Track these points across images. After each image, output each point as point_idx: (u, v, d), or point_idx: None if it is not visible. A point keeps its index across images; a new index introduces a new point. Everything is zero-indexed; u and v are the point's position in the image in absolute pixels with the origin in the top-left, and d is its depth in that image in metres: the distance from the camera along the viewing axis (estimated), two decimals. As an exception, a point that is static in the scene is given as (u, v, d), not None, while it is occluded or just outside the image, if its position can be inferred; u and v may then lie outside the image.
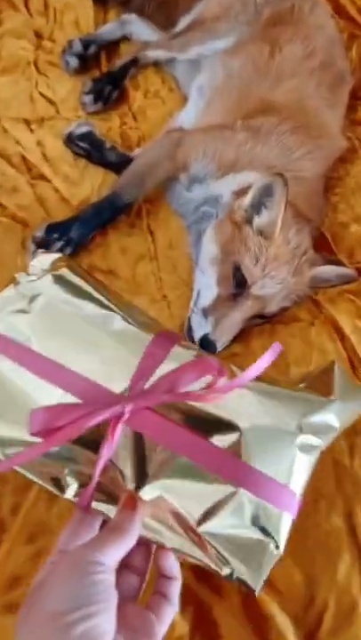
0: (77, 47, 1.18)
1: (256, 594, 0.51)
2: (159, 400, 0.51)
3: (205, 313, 0.87)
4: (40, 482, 0.55)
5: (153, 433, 0.52)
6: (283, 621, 0.73)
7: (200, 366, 0.53)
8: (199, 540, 0.51)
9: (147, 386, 0.53)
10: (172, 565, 0.51)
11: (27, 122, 1.14)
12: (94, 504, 0.52)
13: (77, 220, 0.97)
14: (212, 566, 0.51)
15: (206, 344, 0.84)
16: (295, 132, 1.01)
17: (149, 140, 1.14)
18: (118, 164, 1.08)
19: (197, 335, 0.86)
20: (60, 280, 0.60)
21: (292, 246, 0.88)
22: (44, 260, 0.63)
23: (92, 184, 1.09)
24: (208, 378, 0.52)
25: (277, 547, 0.51)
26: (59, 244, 0.96)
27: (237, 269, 0.86)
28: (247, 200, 0.88)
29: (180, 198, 1.05)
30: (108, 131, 1.16)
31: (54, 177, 1.08)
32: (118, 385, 0.53)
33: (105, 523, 0.51)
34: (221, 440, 0.52)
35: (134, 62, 1.17)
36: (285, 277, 0.87)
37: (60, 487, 0.54)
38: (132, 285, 0.97)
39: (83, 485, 0.52)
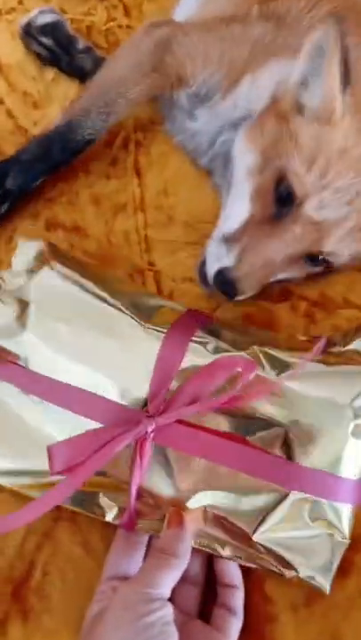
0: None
1: (327, 591, 0.49)
2: (183, 415, 0.48)
3: (228, 240, 0.59)
4: (79, 510, 0.51)
5: (184, 447, 0.49)
6: None
7: (223, 366, 0.48)
8: (256, 548, 0.48)
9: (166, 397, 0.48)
10: (234, 573, 0.50)
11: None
12: (139, 523, 0.49)
13: (16, 164, 0.66)
14: (276, 570, 0.48)
15: (223, 283, 0.59)
16: (340, 15, 0.65)
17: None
18: (91, 74, 0.75)
19: (212, 270, 0.59)
20: (50, 279, 0.53)
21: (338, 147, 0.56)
22: (26, 252, 0.55)
23: (60, 105, 0.78)
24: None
25: (344, 537, 0.49)
26: None
27: (282, 179, 0.57)
28: (295, 75, 0.58)
29: (182, 128, 0.73)
30: (89, 28, 0.83)
31: (8, 95, 0.78)
32: (139, 392, 0.49)
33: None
34: (263, 438, 0.48)
35: None
36: (357, 195, 0.56)
37: (101, 511, 0.50)
38: (105, 248, 0.67)
39: (121, 508, 0.49)
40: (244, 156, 0.63)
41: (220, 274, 0.58)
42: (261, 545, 0.49)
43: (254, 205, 0.60)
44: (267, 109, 0.63)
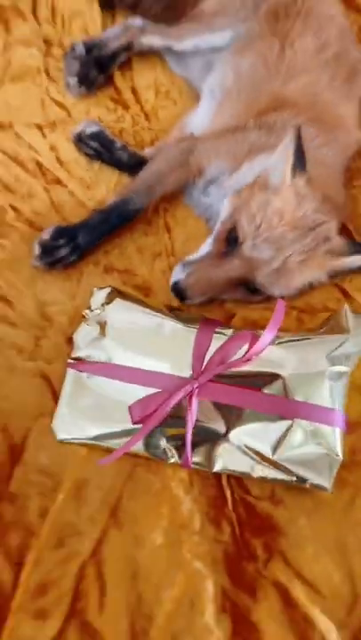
0: (80, 50, 1.17)
1: (329, 491, 0.72)
2: (215, 373, 0.72)
3: (186, 265, 0.86)
4: (148, 455, 0.76)
5: (219, 398, 0.74)
6: (326, 625, 0.69)
7: (238, 339, 0.73)
8: (277, 466, 0.72)
9: (204, 366, 0.74)
10: None
11: (39, 127, 1.13)
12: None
13: (85, 227, 0.96)
14: (293, 482, 0.73)
15: (175, 290, 0.85)
16: (310, 125, 0.98)
17: (161, 141, 1.12)
18: (131, 164, 1.07)
19: (171, 281, 0.86)
20: (117, 307, 0.80)
21: (306, 217, 0.82)
22: (100, 295, 0.82)
23: (107, 186, 1.08)
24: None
25: (337, 455, 0.72)
26: (65, 251, 0.95)
27: (233, 227, 0.83)
28: (273, 157, 0.86)
29: (199, 203, 1.03)
30: (120, 132, 1.15)
31: (69, 181, 1.08)
32: (185, 371, 0.75)
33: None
34: (270, 389, 0.74)
35: (127, 48, 1.15)
36: (285, 245, 0.81)
37: (165, 455, 0.75)
38: (148, 283, 0.95)
39: (178, 448, 0.74)
40: (223, 211, 0.92)
41: (175, 284, 0.84)
42: (281, 463, 0.72)
43: (214, 244, 0.87)
44: (249, 185, 0.92)
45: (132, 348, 0.78)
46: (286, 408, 0.73)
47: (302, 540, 0.75)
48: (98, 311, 0.81)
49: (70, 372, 0.80)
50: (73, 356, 0.81)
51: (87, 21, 1.29)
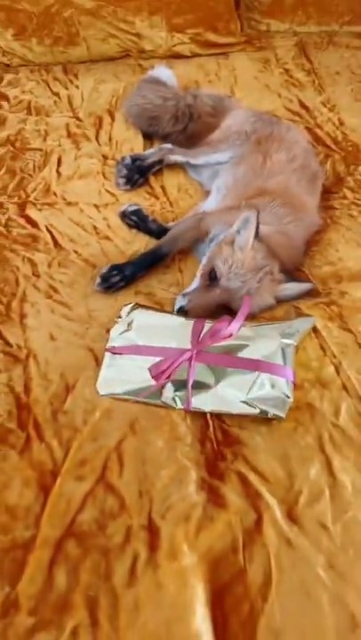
0: (128, 161, 1.75)
1: (284, 418, 1.11)
2: (207, 344, 1.15)
3: (185, 294, 1.32)
4: (161, 404, 1.15)
5: (209, 361, 1.14)
6: (270, 499, 1.04)
7: (220, 322, 1.17)
8: (248, 404, 1.10)
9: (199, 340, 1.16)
10: None
11: (96, 206, 1.67)
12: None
13: (131, 264, 1.44)
14: (258, 414, 1.11)
15: (180, 313, 1.26)
16: (283, 207, 1.49)
17: (180, 219, 1.65)
18: (158, 232, 1.59)
19: (176, 307, 1.29)
20: (138, 312, 1.24)
21: (256, 262, 1.30)
22: (127, 308, 1.26)
23: (140, 243, 1.58)
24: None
25: (288, 397, 1.11)
26: (116, 279, 1.42)
27: (213, 268, 1.31)
28: (234, 227, 1.36)
29: (203, 253, 1.52)
30: (152, 212, 1.67)
31: (115, 238, 1.59)
32: (187, 346, 1.16)
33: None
34: (242, 354, 1.15)
35: (160, 162, 1.77)
36: (248, 279, 1.29)
37: (174, 402, 1.15)
38: (164, 301, 1.41)
39: (181, 398, 1.14)
40: (204, 259, 1.41)
41: (180, 308, 1.28)
42: (253, 402, 1.11)
43: (201, 281, 1.35)
44: (220, 241, 1.42)
45: (149, 336, 1.21)
46: (254, 366, 1.15)
47: (258, 449, 1.11)
48: (124, 316, 1.26)
49: (107, 355, 1.23)
50: (108, 345, 1.24)
51: (133, 145, 1.89)
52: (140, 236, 1.62)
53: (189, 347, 1.17)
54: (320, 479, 1.07)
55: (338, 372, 1.23)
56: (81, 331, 1.33)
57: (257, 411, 1.12)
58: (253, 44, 2.50)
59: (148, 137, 1.97)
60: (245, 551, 0.97)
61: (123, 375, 1.19)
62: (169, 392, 1.16)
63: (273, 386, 1.12)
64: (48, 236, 1.58)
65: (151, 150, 1.88)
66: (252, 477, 1.07)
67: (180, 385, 1.16)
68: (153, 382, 1.15)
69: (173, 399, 1.16)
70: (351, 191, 1.74)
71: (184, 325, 1.22)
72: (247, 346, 1.17)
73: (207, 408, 1.15)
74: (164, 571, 0.95)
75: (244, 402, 1.12)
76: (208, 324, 1.22)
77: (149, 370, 1.17)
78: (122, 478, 1.06)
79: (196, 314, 1.29)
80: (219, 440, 1.14)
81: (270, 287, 1.32)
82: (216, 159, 1.76)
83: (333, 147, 1.94)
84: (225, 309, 1.32)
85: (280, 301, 1.37)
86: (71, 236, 1.58)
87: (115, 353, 1.22)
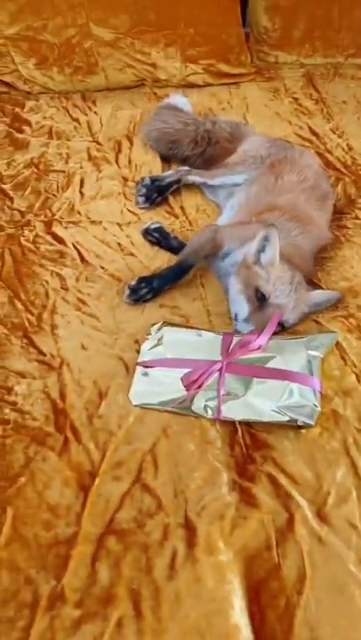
0: (147, 181, 1.83)
1: (313, 425, 1.15)
2: (237, 355, 1.21)
3: (247, 321, 1.35)
4: (192, 415, 1.19)
5: (239, 372, 1.19)
6: (301, 500, 1.09)
7: (249, 335, 1.25)
8: (278, 412, 1.14)
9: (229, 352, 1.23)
10: None
11: (119, 224, 1.74)
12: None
13: (159, 277, 1.51)
14: (287, 422, 1.16)
15: (239, 329, 1.33)
16: (292, 221, 1.57)
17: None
18: (178, 249, 1.66)
19: (240, 332, 1.34)
20: (167, 329, 1.31)
21: (288, 274, 1.36)
22: (156, 326, 1.33)
23: (162, 260, 1.65)
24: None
25: (316, 405, 1.16)
26: (144, 291, 1.48)
27: (257, 290, 1.36)
28: (253, 247, 1.41)
29: (218, 267, 1.59)
30: (172, 231, 1.74)
31: (139, 254, 1.66)
32: (217, 358, 1.23)
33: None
34: (271, 364, 1.20)
35: (177, 182, 1.85)
36: (290, 291, 1.34)
37: (205, 412, 1.19)
38: (188, 315, 1.46)
39: (212, 408, 1.18)
40: (236, 285, 1.45)
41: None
42: (283, 410, 1.17)
43: (249, 305, 1.40)
44: (241, 264, 1.48)
45: (179, 351, 1.27)
46: (282, 375, 1.20)
47: (286, 452, 1.16)
48: (154, 333, 1.32)
49: (138, 369, 1.29)
50: (139, 360, 1.30)
51: (152, 168, 1.97)
52: (161, 252, 1.68)
53: (219, 358, 1.24)
54: (346, 481, 1.12)
55: (359, 380, 1.29)
56: (110, 341, 1.39)
57: (286, 418, 1.16)
58: (263, 74, 2.61)
59: (167, 160, 2.06)
60: (279, 548, 1.02)
61: (155, 387, 1.23)
62: (200, 402, 1.21)
63: (301, 395, 1.17)
64: (75, 252, 1.64)
65: (169, 172, 1.96)
66: (282, 479, 1.12)
67: (211, 395, 1.21)
68: (184, 393, 1.21)
69: (205, 408, 1.20)
70: (363, 212, 1.82)
71: (212, 340, 1.28)
72: (275, 357, 1.23)
73: (238, 417, 1.19)
74: (202, 565, 0.98)
75: (274, 410, 1.16)
76: (237, 338, 1.28)
77: (181, 379, 1.22)
78: (157, 479, 1.10)
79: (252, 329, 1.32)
80: (247, 444, 1.18)
81: (304, 296, 1.38)
82: (233, 181, 1.84)
83: (344, 170, 2.02)
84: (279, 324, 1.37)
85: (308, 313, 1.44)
86: (97, 252, 1.64)
87: (146, 366, 1.27)
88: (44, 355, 1.34)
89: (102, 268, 1.60)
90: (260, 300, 1.38)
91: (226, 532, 1.03)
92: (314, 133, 2.25)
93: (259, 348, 1.23)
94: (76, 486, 1.09)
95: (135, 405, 1.22)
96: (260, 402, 1.17)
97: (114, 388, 1.27)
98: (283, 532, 1.04)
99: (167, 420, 1.21)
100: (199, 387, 1.20)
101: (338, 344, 1.38)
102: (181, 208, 1.86)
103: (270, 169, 1.76)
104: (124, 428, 1.19)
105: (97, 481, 1.10)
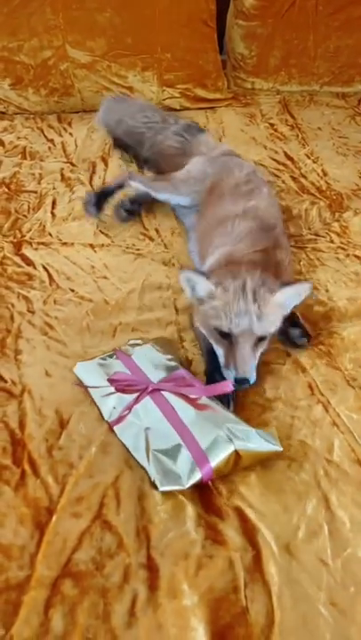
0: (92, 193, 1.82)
1: (160, 490, 1.02)
2: (163, 386, 1.14)
3: (226, 365, 1.23)
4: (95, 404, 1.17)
5: (158, 403, 1.13)
6: (268, 534, 1.02)
7: (176, 378, 1.17)
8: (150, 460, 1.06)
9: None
10: None
11: (92, 246, 1.68)
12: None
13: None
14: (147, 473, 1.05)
15: (240, 383, 1.18)
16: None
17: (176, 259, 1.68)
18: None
19: (230, 381, 1.16)
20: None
21: (233, 289, 1.19)
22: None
23: (136, 282, 1.59)
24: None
25: (182, 484, 1.02)
26: None
27: (216, 329, 1.22)
28: (187, 293, 1.29)
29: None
30: (148, 252, 1.68)
31: (112, 277, 1.59)
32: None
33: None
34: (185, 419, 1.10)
35: (120, 186, 1.79)
36: (245, 309, 1.18)
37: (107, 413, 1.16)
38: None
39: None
40: (205, 338, 1.29)
41: (236, 381, 1.17)
42: (156, 456, 1.04)
43: (222, 348, 1.22)
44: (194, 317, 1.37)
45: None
46: (181, 431, 1.07)
47: (252, 485, 1.09)
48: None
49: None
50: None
51: (127, 190, 1.91)
52: (136, 274, 1.63)
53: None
54: (318, 515, 1.05)
55: (326, 410, 1.23)
56: (73, 366, 1.31)
57: (151, 469, 1.05)
58: (240, 99, 2.60)
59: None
60: (247, 590, 0.95)
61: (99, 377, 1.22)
62: (112, 402, 1.18)
63: (180, 462, 1.03)
64: (44, 274, 1.58)
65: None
66: (250, 513, 1.05)
67: (125, 404, 1.16)
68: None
69: (112, 409, 1.17)
70: (338, 235, 1.78)
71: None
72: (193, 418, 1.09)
73: (121, 438, 1.14)
74: (165, 610, 0.91)
75: (151, 453, 1.06)
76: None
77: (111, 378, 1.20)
78: (119, 515, 1.03)
79: (251, 371, 1.21)
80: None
81: (270, 300, 1.22)
82: (177, 201, 1.83)
83: (318, 195, 2.00)
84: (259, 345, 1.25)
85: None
86: (68, 275, 1.58)
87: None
88: (5, 381, 1.26)
89: (72, 290, 1.54)
90: (224, 336, 1.23)
91: (191, 573, 0.95)
92: (289, 158, 2.23)
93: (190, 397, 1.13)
94: (31, 524, 1.01)
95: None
96: (153, 438, 1.08)
97: (76, 416, 1.20)
98: (251, 572, 0.97)
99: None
100: (121, 391, 1.16)
101: (305, 371, 1.33)
102: (156, 231, 1.82)
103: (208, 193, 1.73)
104: (85, 459, 1.11)
105: (54, 518, 1.02)
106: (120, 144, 2.08)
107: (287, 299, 1.29)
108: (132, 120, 2.04)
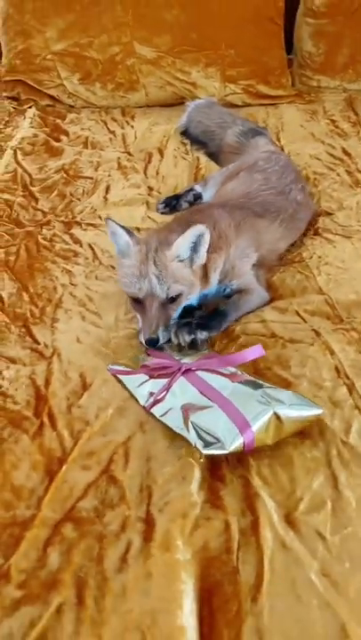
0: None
1: (203, 454, 1.05)
2: (193, 366, 1.19)
3: (140, 329, 1.32)
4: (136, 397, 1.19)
5: (193, 382, 1.16)
6: (268, 501, 1.03)
7: (207, 358, 1.23)
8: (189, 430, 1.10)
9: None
10: None
11: (138, 229, 1.75)
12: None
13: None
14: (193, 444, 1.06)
15: (149, 344, 1.28)
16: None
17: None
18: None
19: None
20: None
21: (141, 251, 1.31)
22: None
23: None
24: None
25: (225, 446, 1.03)
26: None
27: (130, 296, 1.34)
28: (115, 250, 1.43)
29: None
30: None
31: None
32: None
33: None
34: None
35: (191, 190, 1.88)
36: (145, 272, 1.28)
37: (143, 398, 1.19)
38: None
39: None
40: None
41: (146, 342, 1.29)
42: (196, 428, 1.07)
43: (137, 313, 1.37)
44: None
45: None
46: (223, 404, 1.11)
47: (263, 454, 1.09)
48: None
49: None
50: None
51: (178, 181, 1.99)
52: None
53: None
54: (323, 491, 1.05)
55: (350, 393, 1.22)
56: (106, 338, 1.38)
57: (192, 437, 1.07)
58: (303, 97, 2.59)
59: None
60: (240, 551, 0.96)
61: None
62: (149, 387, 1.20)
63: (223, 429, 1.04)
64: (90, 251, 1.67)
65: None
66: (254, 480, 1.06)
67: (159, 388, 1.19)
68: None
69: (149, 395, 1.19)
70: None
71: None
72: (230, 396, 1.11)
73: (159, 415, 1.16)
74: (156, 561, 0.94)
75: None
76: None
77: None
78: (125, 472, 1.07)
79: (158, 332, 1.29)
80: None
81: (167, 257, 1.30)
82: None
83: (373, 190, 1.96)
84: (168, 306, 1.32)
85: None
86: (111, 253, 1.65)
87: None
88: (38, 343, 1.34)
89: (113, 268, 1.61)
90: (136, 302, 1.33)
91: (186, 532, 0.98)
92: (346, 153, 2.20)
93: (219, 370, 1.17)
94: (42, 471, 1.07)
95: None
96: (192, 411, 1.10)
97: (99, 381, 1.25)
98: (247, 536, 0.98)
99: (146, 415, 1.17)
100: (155, 376, 1.20)
101: (333, 354, 1.32)
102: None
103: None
104: (101, 419, 1.17)
105: (64, 468, 1.08)
106: (194, 139, 2.21)
107: (181, 249, 1.31)
108: (209, 120, 2.17)
